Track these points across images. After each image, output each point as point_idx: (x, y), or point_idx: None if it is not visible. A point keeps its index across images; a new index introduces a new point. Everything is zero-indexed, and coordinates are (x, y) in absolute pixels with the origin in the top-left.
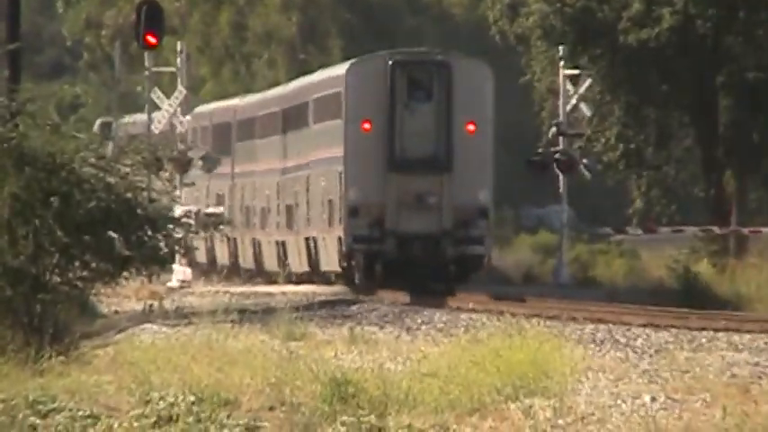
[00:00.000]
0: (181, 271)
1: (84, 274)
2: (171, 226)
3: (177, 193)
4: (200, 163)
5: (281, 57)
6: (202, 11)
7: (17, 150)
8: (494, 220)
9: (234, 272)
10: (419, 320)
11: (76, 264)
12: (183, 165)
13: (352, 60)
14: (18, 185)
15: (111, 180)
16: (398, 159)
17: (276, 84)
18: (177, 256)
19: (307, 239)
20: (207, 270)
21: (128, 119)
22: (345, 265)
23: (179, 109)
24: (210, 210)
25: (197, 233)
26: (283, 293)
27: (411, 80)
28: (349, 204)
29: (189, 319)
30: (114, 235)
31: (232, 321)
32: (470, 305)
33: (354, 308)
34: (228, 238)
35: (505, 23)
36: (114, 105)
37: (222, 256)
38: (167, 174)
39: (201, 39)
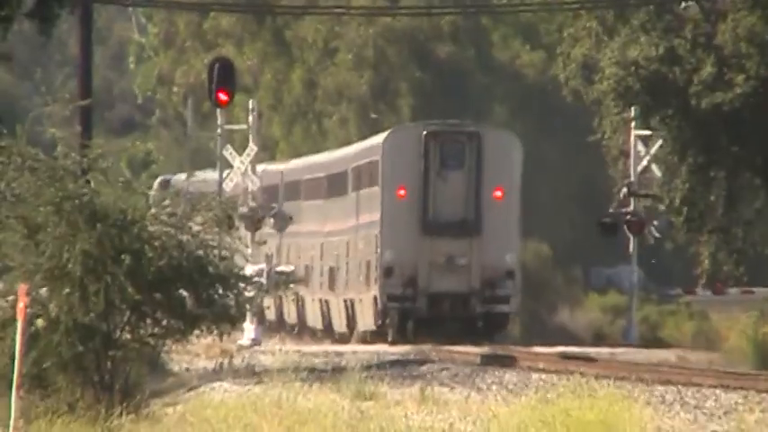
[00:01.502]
0: (251, 329)
1: (155, 331)
2: (242, 284)
3: (249, 251)
4: (271, 221)
5: (353, 115)
6: (274, 69)
7: (89, 207)
8: (563, 280)
9: (280, 326)
10: (489, 380)
11: (147, 321)
12: (255, 223)
13: (389, 131)
14: (89, 242)
15: (183, 237)
16: (431, 223)
17: (347, 142)
18: (248, 315)
19: (345, 301)
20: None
21: (199, 175)
22: (380, 322)
23: (250, 167)
24: (281, 268)
25: (268, 292)
26: (353, 352)
27: (444, 149)
28: (384, 265)
29: (259, 377)
30: (185, 293)
31: (302, 380)
32: (540, 366)
33: (425, 368)
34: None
35: (578, 83)
36: (186, 162)
37: (269, 312)
38: (238, 231)
39: (273, 97)
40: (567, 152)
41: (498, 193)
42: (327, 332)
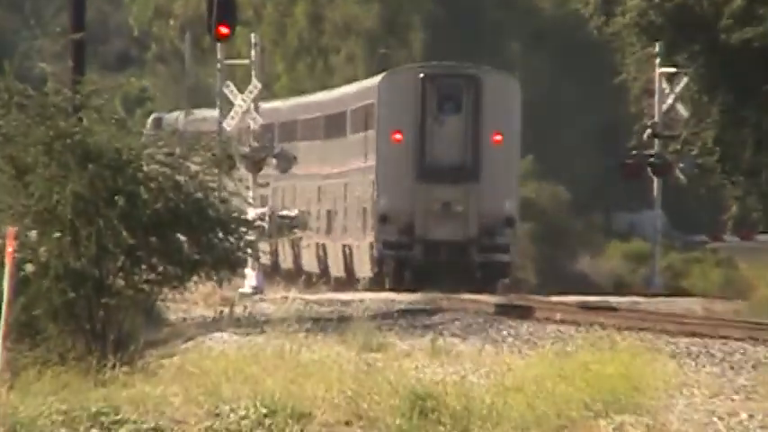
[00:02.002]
0: (253, 276)
1: (151, 277)
2: (244, 229)
3: (250, 193)
4: (273, 161)
5: (361, 51)
6: (277, 1)
7: (81, 146)
8: (583, 226)
9: (275, 272)
10: (504, 332)
11: (142, 267)
12: (257, 163)
13: (385, 72)
14: (81, 183)
15: (181, 179)
16: (427, 169)
17: (354, 79)
18: (249, 261)
19: (343, 246)
20: None
21: (197, 114)
22: (377, 269)
23: (252, 105)
24: (284, 212)
25: (271, 237)
26: (360, 301)
27: (441, 93)
28: (380, 212)
29: (261, 327)
30: (183, 237)
31: (306, 330)
32: (558, 316)
33: (436, 317)
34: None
35: (601, 19)
36: (183, 100)
37: (263, 257)
38: (239, 173)
39: (276, 31)
40: (587, 90)
41: (497, 138)
42: (324, 277)
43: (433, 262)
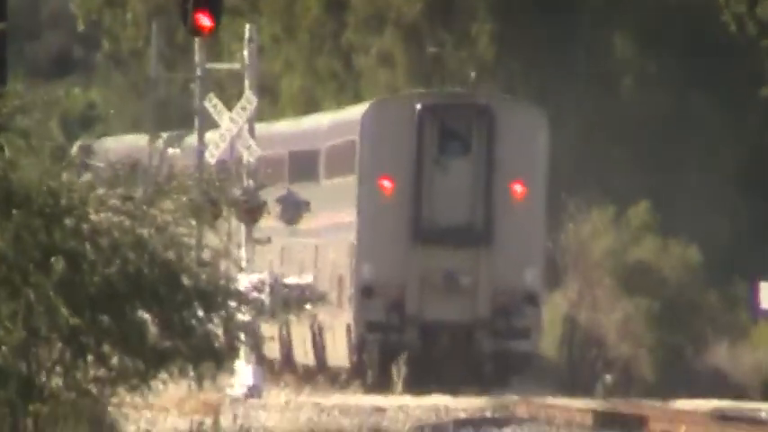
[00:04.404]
0: (248, 372)
1: (101, 374)
2: (234, 304)
3: (243, 253)
4: (277, 209)
5: (399, 49)
6: None
7: (1, 186)
8: (710, 301)
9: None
10: None
11: (89, 358)
12: (253, 211)
13: (371, 101)
14: (2, 239)
15: (144, 232)
16: (425, 228)
17: (392, 90)
18: (243, 350)
19: (312, 325)
20: None
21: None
22: (356, 358)
23: (246, 127)
24: (291, 280)
25: (272, 315)
26: (399, 407)
27: (443, 128)
28: (362, 283)
29: None
30: (147, 316)
31: None
32: (683, 430)
33: (508, 431)
34: None
35: (742, 7)
36: (148, 119)
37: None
38: (228, 225)
39: (279, 22)
40: (726, 111)
41: (517, 188)
42: (289, 366)
43: (429, 350)
